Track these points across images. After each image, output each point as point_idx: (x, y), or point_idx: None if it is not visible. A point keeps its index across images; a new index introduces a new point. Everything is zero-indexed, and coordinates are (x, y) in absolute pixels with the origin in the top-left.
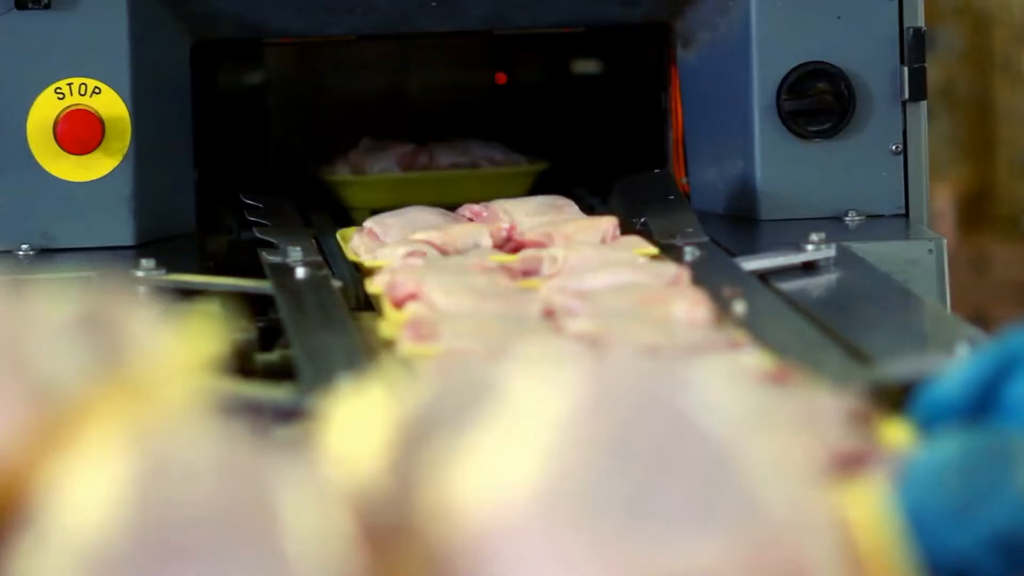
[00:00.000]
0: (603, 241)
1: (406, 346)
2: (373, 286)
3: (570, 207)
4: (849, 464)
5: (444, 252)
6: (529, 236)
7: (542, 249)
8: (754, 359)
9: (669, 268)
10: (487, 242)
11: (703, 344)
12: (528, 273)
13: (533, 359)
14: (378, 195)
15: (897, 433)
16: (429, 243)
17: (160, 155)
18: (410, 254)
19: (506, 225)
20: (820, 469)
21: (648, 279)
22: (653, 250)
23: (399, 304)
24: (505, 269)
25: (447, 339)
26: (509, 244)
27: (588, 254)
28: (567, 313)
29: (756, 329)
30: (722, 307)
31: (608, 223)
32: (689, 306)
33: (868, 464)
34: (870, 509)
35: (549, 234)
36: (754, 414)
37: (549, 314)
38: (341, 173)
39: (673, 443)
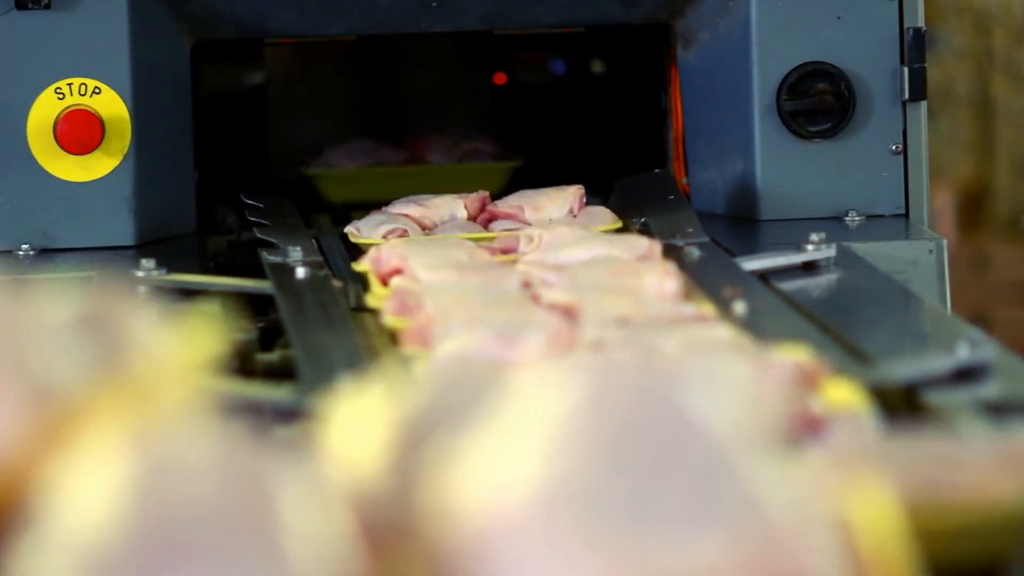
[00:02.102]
0: (571, 211)
1: (389, 319)
2: (360, 265)
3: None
4: (808, 427)
5: (422, 224)
6: (502, 208)
7: (518, 229)
8: (721, 332)
9: (641, 241)
10: (462, 213)
11: (672, 316)
12: (506, 251)
13: (511, 325)
14: (353, 189)
15: (844, 394)
16: (407, 216)
17: (160, 155)
18: (390, 232)
19: (479, 195)
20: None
21: (620, 252)
22: (618, 223)
23: (385, 279)
24: (485, 247)
25: (430, 309)
26: (483, 215)
27: (562, 233)
28: (543, 285)
29: (756, 329)
30: (692, 282)
31: (574, 193)
32: (659, 278)
33: (824, 427)
34: (871, 509)
35: (521, 206)
36: (751, 413)
37: (527, 286)
38: (319, 168)
39: (673, 443)
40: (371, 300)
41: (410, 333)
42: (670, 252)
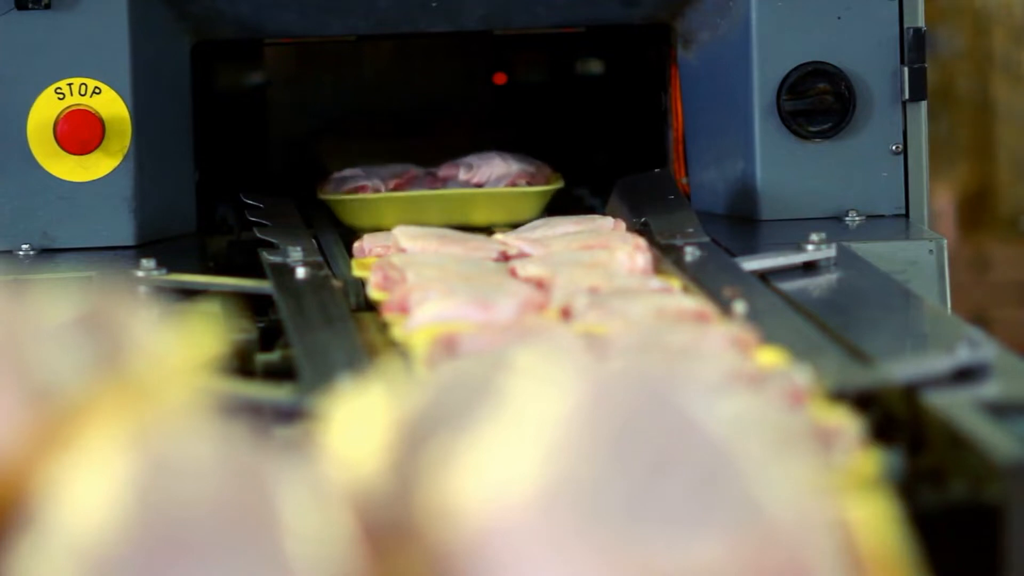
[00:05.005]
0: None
1: (373, 292)
2: (359, 272)
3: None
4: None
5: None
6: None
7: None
8: (686, 302)
9: (606, 221)
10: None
11: (638, 287)
12: (447, 179)
13: (485, 292)
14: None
15: (772, 357)
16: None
17: (160, 155)
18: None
19: None
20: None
21: (591, 227)
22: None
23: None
24: (430, 176)
25: (411, 280)
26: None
27: (497, 163)
28: (521, 254)
29: (756, 329)
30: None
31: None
32: (630, 253)
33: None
34: (871, 509)
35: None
36: (751, 416)
37: (505, 257)
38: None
39: (673, 443)
40: (356, 269)
41: (390, 303)
42: (670, 252)
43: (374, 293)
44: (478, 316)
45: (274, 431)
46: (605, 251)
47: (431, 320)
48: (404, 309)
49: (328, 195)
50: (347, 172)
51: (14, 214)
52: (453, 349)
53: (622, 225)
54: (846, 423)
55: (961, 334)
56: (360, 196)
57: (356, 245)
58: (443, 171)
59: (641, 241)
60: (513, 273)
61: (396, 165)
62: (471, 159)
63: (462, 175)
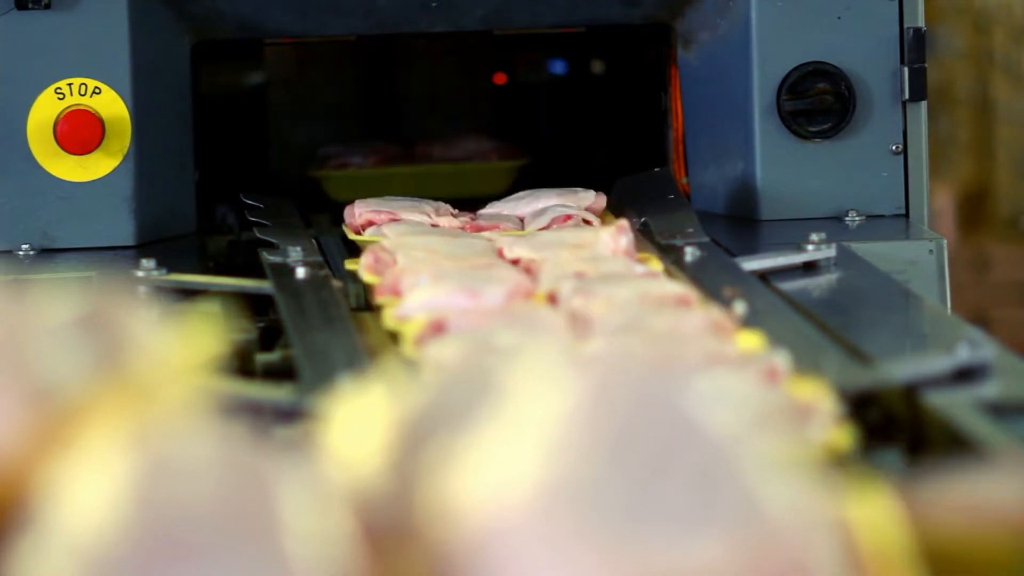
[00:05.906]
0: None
1: (365, 275)
2: (353, 263)
3: None
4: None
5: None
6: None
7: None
8: (669, 286)
9: (588, 193)
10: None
11: (624, 272)
12: (424, 157)
13: (474, 279)
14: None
15: (751, 341)
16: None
17: (160, 155)
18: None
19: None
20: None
21: (569, 202)
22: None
23: (358, 231)
24: (408, 154)
25: (401, 263)
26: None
27: (469, 139)
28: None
29: (756, 329)
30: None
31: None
32: (613, 234)
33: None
34: (871, 509)
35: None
36: (753, 415)
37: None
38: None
39: (673, 443)
40: (348, 264)
41: (382, 286)
42: (670, 252)
43: (366, 276)
44: (467, 304)
45: (274, 431)
46: (590, 231)
47: (421, 308)
48: (396, 292)
49: (313, 171)
50: (331, 148)
51: (14, 214)
52: (441, 330)
53: (603, 198)
54: (821, 399)
55: (961, 334)
56: (342, 172)
57: (347, 210)
58: (420, 149)
59: (624, 222)
60: (500, 254)
61: (375, 144)
62: (447, 140)
63: (436, 152)
